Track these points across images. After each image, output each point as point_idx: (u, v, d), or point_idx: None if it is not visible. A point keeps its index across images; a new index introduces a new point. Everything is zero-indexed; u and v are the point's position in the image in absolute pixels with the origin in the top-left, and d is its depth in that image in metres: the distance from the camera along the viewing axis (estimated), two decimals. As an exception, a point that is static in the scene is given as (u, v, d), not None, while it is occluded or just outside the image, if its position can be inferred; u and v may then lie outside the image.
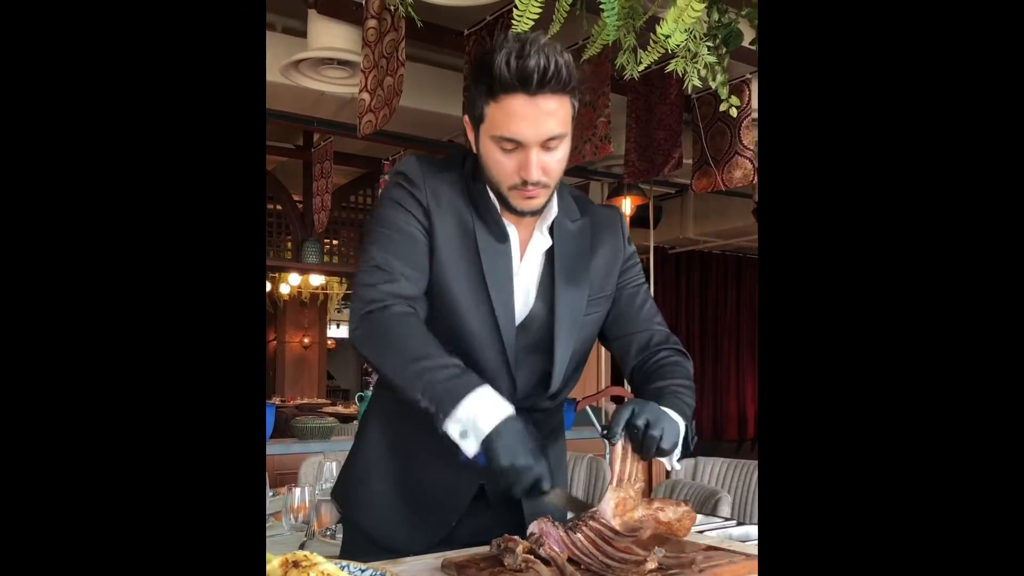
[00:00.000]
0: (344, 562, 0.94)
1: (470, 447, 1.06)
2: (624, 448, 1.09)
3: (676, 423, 1.14)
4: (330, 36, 3.24)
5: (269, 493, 2.45)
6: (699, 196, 5.76)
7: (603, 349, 1.38)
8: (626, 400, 1.15)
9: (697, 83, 2.03)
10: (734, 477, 2.85)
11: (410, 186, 1.22)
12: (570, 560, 1.00)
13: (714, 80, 2.11)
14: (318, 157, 5.13)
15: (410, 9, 2.54)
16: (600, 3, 1.91)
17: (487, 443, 1.05)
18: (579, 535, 1.02)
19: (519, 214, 1.22)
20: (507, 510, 1.24)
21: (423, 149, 5.04)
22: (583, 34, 2.20)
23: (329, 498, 2.08)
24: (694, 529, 1.16)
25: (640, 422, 1.09)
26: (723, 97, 2.18)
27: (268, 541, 1.93)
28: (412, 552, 1.15)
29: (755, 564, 1.04)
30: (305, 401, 7.89)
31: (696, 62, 1.99)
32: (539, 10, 1.88)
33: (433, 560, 1.08)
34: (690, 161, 3.96)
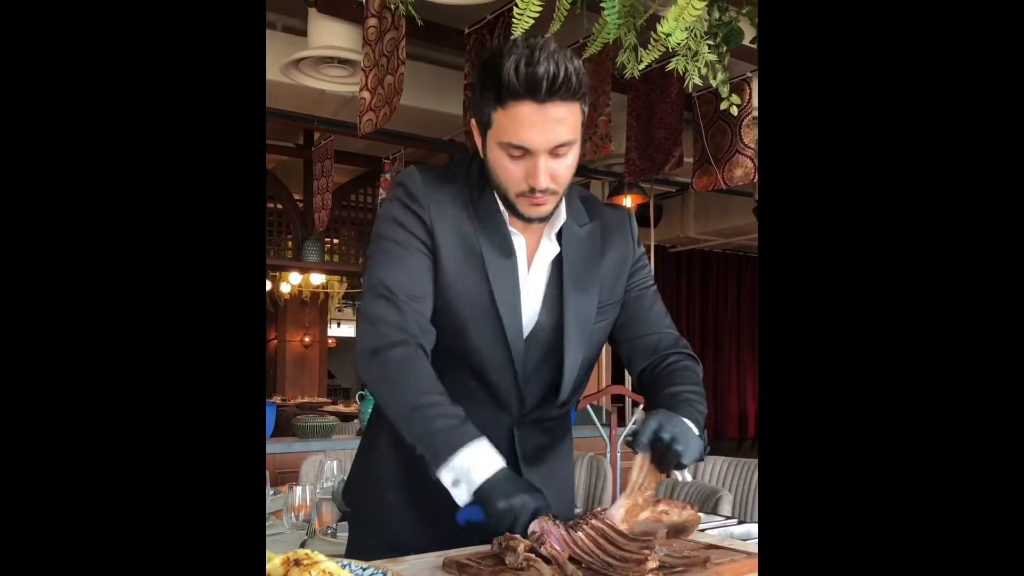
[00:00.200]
0: (346, 560, 0.94)
1: (461, 495, 1.08)
2: (644, 458, 1.10)
3: (698, 440, 1.13)
4: (330, 35, 3.25)
5: (270, 492, 2.45)
6: (700, 195, 5.78)
7: (604, 347, 1.38)
8: (652, 411, 1.14)
9: (698, 81, 2.03)
10: (735, 475, 2.85)
11: (412, 203, 1.20)
12: (571, 559, 1.00)
13: (715, 78, 2.11)
14: (318, 156, 5.13)
15: (410, 7, 2.54)
16: (600, 1, 1.91)
17: (480, 493, 1.06)
18: (580, 534, 1.02)
19: (527, 220, 1.20)
20: None
21: (423, 148, 5.05)
22: (583, 32, 2.20)
23: (330, 497, 2.09)
24: (695, 528, 1.16)
25: (666, 436, 1.08)
26: (724, 95, 2.18)
27: (269, 539, 1.93)
28: (420, 551, 1.15)
29: (756, 563, 1.04)
30: (306, 400, 7.90)
31: (697, 60, 1.99)
32: (539, 8, 1.88)
33: (435, 558, 1.07)
34: (691, 160, 3.96)
